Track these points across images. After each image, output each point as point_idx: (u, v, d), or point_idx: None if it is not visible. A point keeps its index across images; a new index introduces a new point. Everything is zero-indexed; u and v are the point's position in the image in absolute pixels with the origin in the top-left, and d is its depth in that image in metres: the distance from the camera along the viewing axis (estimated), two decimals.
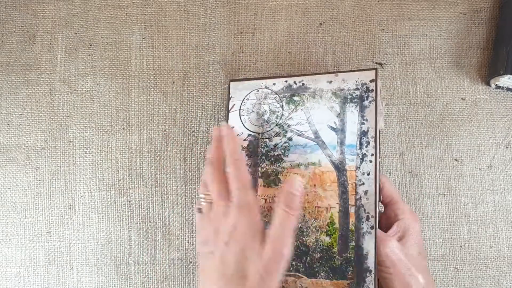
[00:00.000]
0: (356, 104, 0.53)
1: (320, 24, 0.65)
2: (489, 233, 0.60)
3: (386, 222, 0.52)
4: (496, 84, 0.63)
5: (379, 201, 0.52)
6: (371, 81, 0.54)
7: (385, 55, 0.64)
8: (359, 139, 0.52)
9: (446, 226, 0.60)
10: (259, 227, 0.45)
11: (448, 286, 0.59)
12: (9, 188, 0.61)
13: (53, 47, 0.64)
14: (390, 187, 0.53)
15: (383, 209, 0.54)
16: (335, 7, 0.66)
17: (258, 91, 0.58)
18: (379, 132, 0.53)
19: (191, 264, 0.59)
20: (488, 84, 0.63)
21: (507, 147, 0.62)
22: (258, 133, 0.57)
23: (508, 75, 0.60)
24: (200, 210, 0.50)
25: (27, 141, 0.62)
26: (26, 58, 0.64)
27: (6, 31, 0.64)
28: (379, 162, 0.52)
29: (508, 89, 0.63)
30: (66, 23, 0.65)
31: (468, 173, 0.61)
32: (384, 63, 0.64)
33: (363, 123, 0.52)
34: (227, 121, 0.59)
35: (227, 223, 0.45)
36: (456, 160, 0.62)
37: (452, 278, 0.59)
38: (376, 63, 0.64)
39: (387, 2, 0.65)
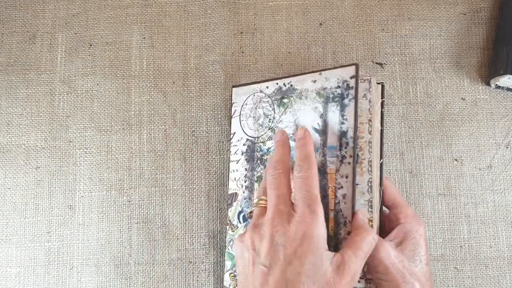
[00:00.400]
0: (337, 103, 0.51)
1: (320, 24, 0.65)
2: (489, 233, 0.60)
3: (388, 225, 0.50)
4: (496, 84, 0.63)
5: (380, 204, 0.50)
6: (351, 77, 0.51)
7: (385, 55, 0.64)
8: (339, 140, 0.49)
9: (446, 226, 0.60)
10: (325, 247, 0.43)
11: (448, 286, 0.59)
12: (9, 188, 0.61)
13: (53, 47, 0.64)
14: (393, 190, 0.51)
15: (388, 211, 0.53)
16: (335, 7, 0.66)
17: (254, 95, 0.58)
18: (381, 132, 0.51)
19: (191, 264, 0.59)
20: (488, 84, 0.63)
21: (507, 147, 0.62)
22: (254, 137, 0.57)
23: (508, 75, 0.60)
24: (250, 216, 0.48)
25: (27, 141, 0.62)
26: (26, 58, 0.64)
27: (6, 31, 0.64)
28: (380, 163, 0.51)
29: (508, 89, 0.63)
30: (66, 23, 0.65)
31: (468, 173, 0.61)
32: (384, 63, 0.64)
33: (343, 123, 0.50)
34: (229, 127, 0.59)
35: (289, 232, 0.42)
36: (456, 160, 0.62)
37: (452, 278, 0.59)
38: (376, 63, 0.64)
39: (387, 2, 0.65)
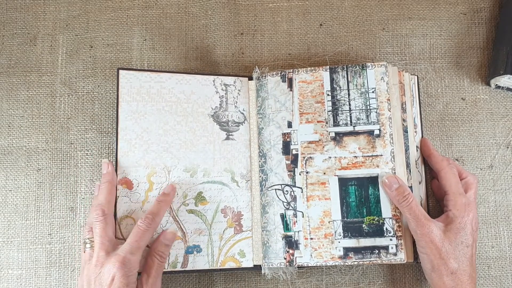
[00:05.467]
0: None
1: (321, 24, 0.66)
2: (491, 233, 0.60)
3: (441, 209, 0.59)
4: (496, 84, 0.63)
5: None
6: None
7: (385, 54, 0.64)
8: None
9: None
10: (135, 280, 0.51)
11: None
12: (10, 190, 0.61)
13: (54, 49, 0.64)
14: (450, 180, 0.56)
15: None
16: (335, 7, 0.66)
17: None
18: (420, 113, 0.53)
19: None
20: (488, 84, 0.63)
21: (507, 147, 0.62)
22: None
23: (508, 75, 0.60)
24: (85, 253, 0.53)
25: (28, 143, 0.62)
26: (27, 60, 0.64)
27: (7, 33, 0.64)
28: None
29: (508, 89, 0.63)
30: (66, 25, 0.65)
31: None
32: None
33: None
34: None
35: (105, 276, 0.49)
36: (457, 160, 0.62)
37: None
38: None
39: (387, 2, 0.66)
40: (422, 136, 0.60)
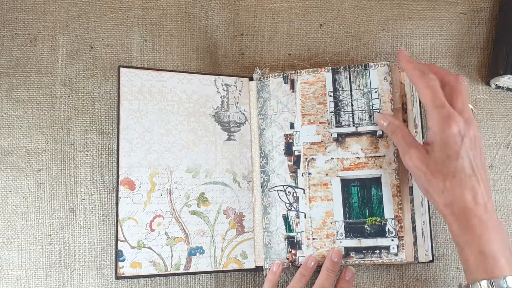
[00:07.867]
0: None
1: (321, 25, 0.66)
2: None
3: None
4: (496, 84, 0.63)
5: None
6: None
7: (386, 55, 0.64)
8: None
9: (447, 226, 0.60)
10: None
11: (449, 286, 0.59)
12: (10, 191, 0.61)
13: (54, 50, 0.64)
14: (423, 93, 0.50)
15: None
16: (336, 8, 0.66)
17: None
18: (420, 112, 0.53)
19: None
20: (488, 84, 0.63)
21: (507, 147, 0.62)
22: None
23: (508, 75, 0.60)
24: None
25: (28, 144, 0.62)
26: (27, 61, 0.64)
27: (7, 34, 0.64)
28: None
29: (508, 89, 0.63)
30: (67, 26, 0.65)
31: None
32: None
33: None
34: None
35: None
36: None
37: (453, 278, 0.59)
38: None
39: (388, 2, 0.66)
40: (423, 137, 0.60)
